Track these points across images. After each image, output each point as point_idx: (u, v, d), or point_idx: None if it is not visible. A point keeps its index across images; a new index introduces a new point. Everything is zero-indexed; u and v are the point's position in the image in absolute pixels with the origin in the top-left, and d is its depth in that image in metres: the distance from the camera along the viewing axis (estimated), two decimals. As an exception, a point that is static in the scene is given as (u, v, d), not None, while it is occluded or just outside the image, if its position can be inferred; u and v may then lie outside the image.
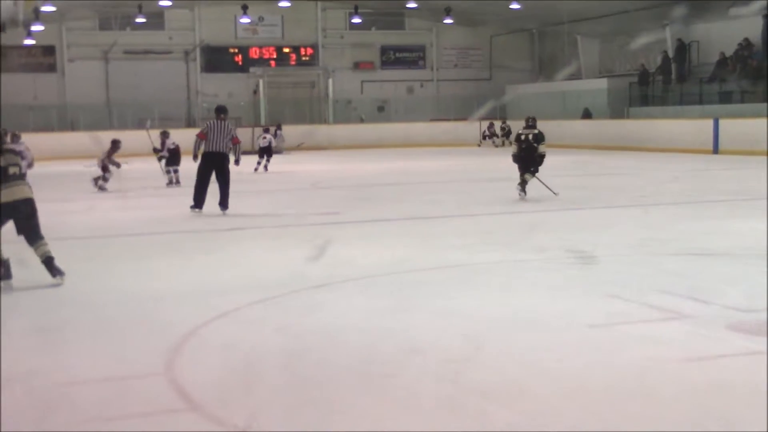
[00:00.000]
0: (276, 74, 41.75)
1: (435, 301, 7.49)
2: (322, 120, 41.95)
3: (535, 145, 16.26)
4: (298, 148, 35.79)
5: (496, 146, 38.00)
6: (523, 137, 16.45)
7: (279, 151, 36.28)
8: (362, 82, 43.85)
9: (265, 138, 25.77)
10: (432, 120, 42.13)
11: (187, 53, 41.39)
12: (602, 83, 38.06)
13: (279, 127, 36.53)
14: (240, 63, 41.84)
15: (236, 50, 41.95)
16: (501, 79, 43.91)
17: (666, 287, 7.81)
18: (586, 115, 37.69)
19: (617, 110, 36.47)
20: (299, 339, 6.36)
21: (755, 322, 6.53)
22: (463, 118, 40.31)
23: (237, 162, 15.27)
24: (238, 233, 12.52)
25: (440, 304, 7.37)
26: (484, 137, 39.29)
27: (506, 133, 38.57)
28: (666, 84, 35.32)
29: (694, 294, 7.48)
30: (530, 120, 16.66)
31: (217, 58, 41.65)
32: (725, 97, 31.70)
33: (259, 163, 25.15)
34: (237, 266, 9.58)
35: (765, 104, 28.69)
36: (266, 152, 25.29)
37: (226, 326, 6.84)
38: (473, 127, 40.03)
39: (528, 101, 41.16)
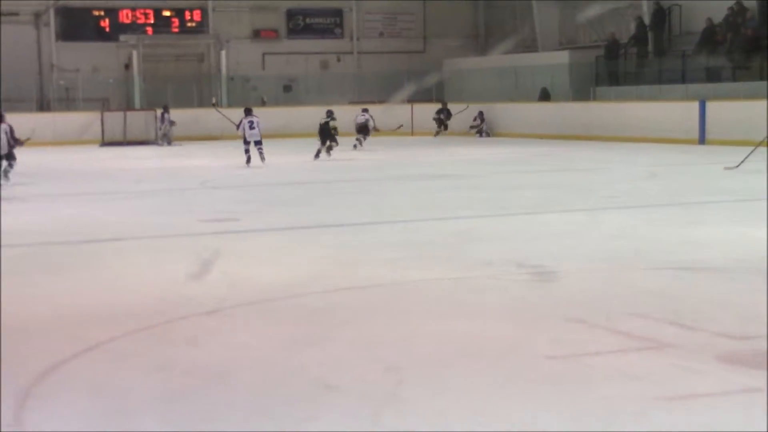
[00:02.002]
0: (154, 44, 41.39)
1: (355, 329, 7.50)
2: (213, 102, 41.71)
3: None
4: (396, 131, 35.90)
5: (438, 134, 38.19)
6: None
7: (167, 141, 35.97)
8: (264, 54, 43.70)
9: (363, 116, 31.30)
10: (352, 102, 42.06)
11: (37, 16, 40.82)
12: (563, 57, 38.44)
13: (166, 110, 36.22)
14: (107, 29, 41.39)
15: (102, 13, 41.46)
16: (437, 52, 44.10)
17: (642, 309, 7.92)
18: (544, 96, 38.04)
19: (581, 91, 36.86)
20: (186, 378, 6.32)
21: (752, 353, 6.64)
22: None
23: None
24: (110, 246, 12.39)
25: (361, 333, 7.38)
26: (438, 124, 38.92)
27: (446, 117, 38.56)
28: (641, 58, 35.77)
29: (677, 318, 7.59)
30: None
31: (77, 23, 41.14)
32: (714, 75, 32.18)
33: (358, 140, 30.65)
34: (108, 287, 9.49)
35: (764, 83, 29.11)
36: (364, 130, 30.97)
37: (95, 363, 6.77)
38: (401, 112, 39.99)
39: (471, 79, 41.40)
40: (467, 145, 33.54)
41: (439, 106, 39.49)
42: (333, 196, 17.92)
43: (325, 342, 7.15)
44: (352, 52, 44.87)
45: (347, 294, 8.97)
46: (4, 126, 20.19)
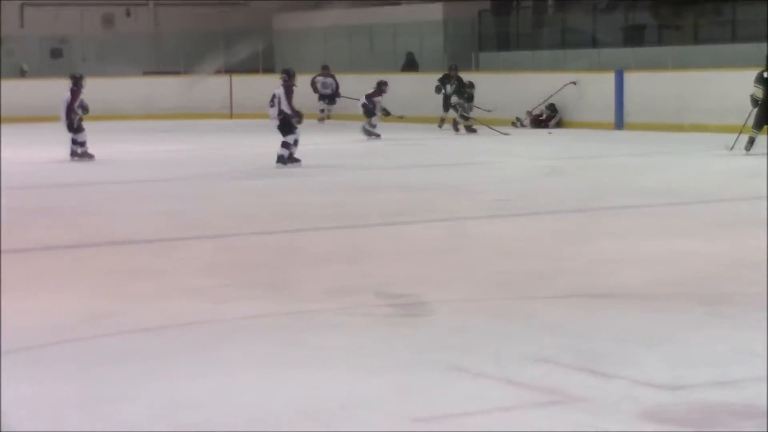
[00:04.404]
0: None
1: (152, 386, 7.45)
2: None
3: None
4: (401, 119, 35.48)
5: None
6: None
7: None
8: (23, 6, 43.21)
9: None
10: (148, 73, 41.88)
11: None
12: (435, 12, 38.73)
13: None
14: None
15: None
16: (264, 5, 44.07)
17: (542, 352, 8.01)
18: (409, 64, 38.24)
19: (460, 57, 37.10)
20: None
21: (685, 407, 6.75)
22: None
23: None
24: None
25: (161, 390, 7.33)
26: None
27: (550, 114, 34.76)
28: (539, 14, 36.26)
29: (588, 362, 7.70)
30: None
31: None
32: (633, 36, 32.75)
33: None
34: None
35: (701, 47, 29.61)
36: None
37: None
38: (215, 86, 39.72)
39: (310, 42, 41.45)
40: (307, 131, 33.52)
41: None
42: (122, 201, 17.73)
43: (111, 404, 7.08)
44: (146, 4, 44.61)
45: (141, 338, 8.91)
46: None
